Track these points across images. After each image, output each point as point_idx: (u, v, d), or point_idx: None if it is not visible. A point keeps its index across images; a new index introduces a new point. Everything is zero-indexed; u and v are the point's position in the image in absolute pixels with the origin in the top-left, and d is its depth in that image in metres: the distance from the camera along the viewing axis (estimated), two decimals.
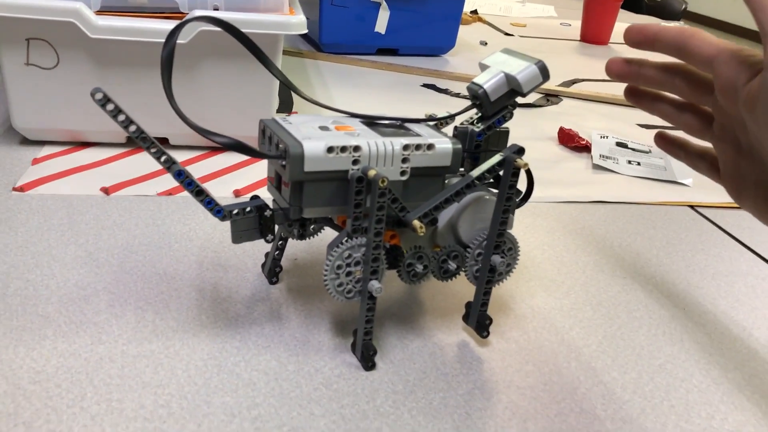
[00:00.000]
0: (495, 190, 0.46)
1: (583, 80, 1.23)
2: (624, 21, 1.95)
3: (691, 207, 0.74)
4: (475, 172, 0.44)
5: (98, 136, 0.73)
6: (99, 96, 0.36)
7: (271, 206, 0.44)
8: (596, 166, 0.82)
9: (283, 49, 1.21)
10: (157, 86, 0.70)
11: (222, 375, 0.42)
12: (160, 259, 0.54)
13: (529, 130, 0.93)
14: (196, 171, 0.70)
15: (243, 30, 0.67)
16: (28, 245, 0.54)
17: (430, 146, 0.43)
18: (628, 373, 0.47)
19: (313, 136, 0.42)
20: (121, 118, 0.37)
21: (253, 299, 0.50)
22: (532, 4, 2.07)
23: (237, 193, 0.66)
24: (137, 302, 0.48)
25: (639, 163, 0.84)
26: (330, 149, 0.41)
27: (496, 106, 0.46)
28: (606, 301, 0.55)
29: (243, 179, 0.69)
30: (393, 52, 1.27)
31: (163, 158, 0.39)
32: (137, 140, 0.38)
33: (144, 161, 0.70)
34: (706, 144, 0.43)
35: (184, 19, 0.41)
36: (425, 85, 1.10)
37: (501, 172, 0.44)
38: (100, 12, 0.66)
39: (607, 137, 0.91)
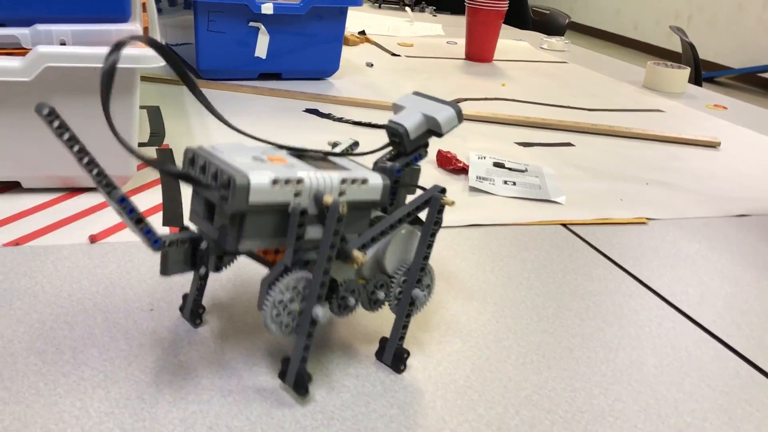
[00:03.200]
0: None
1: (466, 99, 1.25)
2: (511, 37, 2.00)
3: (564, 225, 0.76)
4: (407, 209, 0.46)
5: None
6: (45, 111, 0.34)
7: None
8: (473, 189, 0.82)
9: (159, 77, 1.17)
10: (5, 127, 0.65)
11: None
12: None
13: None
14: (50, 215, 0.65)
15: (94, 65, 0.64)
16: None
17: (364, 181, 0.44)
18: (493, 408, 0.46)
19: (255, 167, 0.41)
20: (66, 136, 0.35)
21: (100, 358, 0.46)
22: (420, 23, 2.09)
23: (93, 239, 0.62)
24: None
25: (515, 183, 0.85)
26: (275, 181, 0.40)
27: (414, 144, 0.50)
28: (475, 330, 0.54)
29: (99, 224, 0.65)
30: (276, 77, 1.24)
31: (104, 182, 0.37)
32: (81, 162, 0.36)
33: None
34: None
35: (122, 39, 0.38)
36: (308, 110, 1.09)
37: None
38: None
39: (484, 158, 0.92)
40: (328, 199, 0.41)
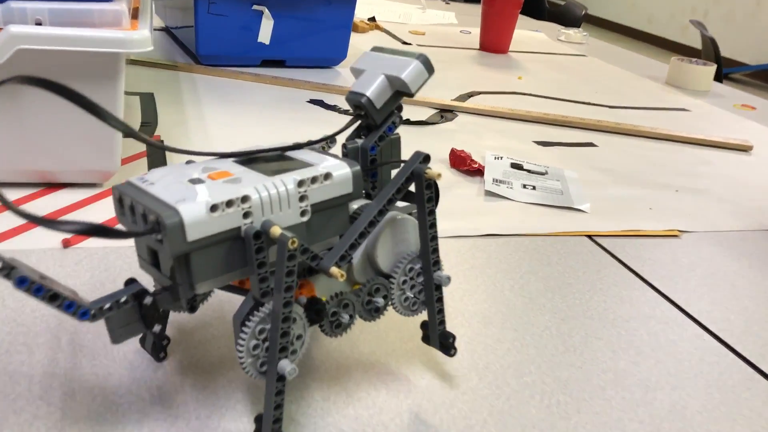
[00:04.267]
0: (402, 203, 0.42)
1: (480, 93, 1.17)
2: (525, 28, 1.92)
3: (589, 237, 0.69)
4: (385, 195, 0.38)
5: None
6: None
7: (150, 289, 0.36)
8: (489, 193, 0.75)
9: (156, 61, 1.10)
10: None
11: None
12: None
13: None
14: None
15: (72, 48, 0.57)
16: None
17: (327, 176, 0.37)
18: None
19: (188, 195, 0.33)
20: None
21: (60, 390, 0.40)
22: (433, 11, 2.02)
23: (66, 243, 0.55)
24: None
25: (534, 187, 0.78)
26: (213, 207, 0.33)
27: (383, 113, 0.42)
28: (494, 363, 0.48)
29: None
30: (280, 64, 1.18)
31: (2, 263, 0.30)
32: None
33: None
34: None
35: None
36: (312, 101, 1.02)
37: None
38: None
39: (501, 158, 0.85)
40: (275, 231, 0.34)
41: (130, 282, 0.37)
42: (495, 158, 0.85)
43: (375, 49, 0.44)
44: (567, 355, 0.50)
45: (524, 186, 0.78)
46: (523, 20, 2.12)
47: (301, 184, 0.36)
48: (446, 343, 0.43)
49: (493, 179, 0.78)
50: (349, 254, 0.37)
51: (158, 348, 0.43)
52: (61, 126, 0.61)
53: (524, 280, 0.59)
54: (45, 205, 0.61)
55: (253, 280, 0.35)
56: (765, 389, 0.49)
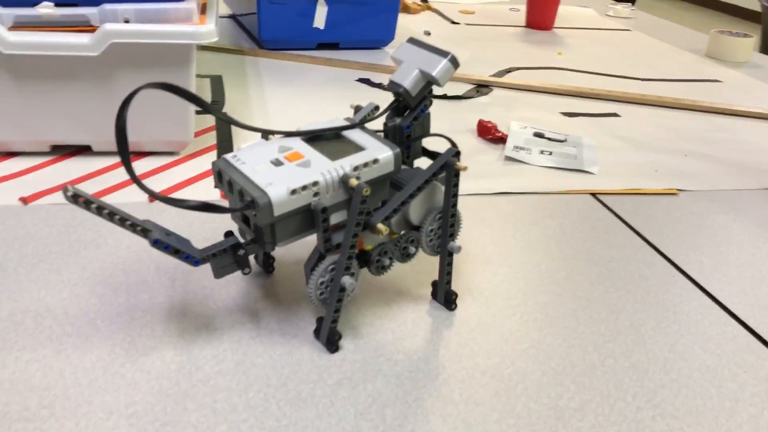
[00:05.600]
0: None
1: (518, 68, 1.27)
2: (575, 4, 1.98)
3: (593, 195, 0.78)
4: (424, 176, 0.50)
5: (23, 146, 0.76)
6: (70, 194, 0.41)
7: (241, 240, 0.49)
8: (508, 158, 0.86)
9: (224, 47, 1.24)
10: (74, 96, 0.73)
11: (107, 376, 0.46)
12: (65, 267, 0.57)
13: (450, 122, 0.97)
14: (116, 176, 0.73)
15: (153, 41, 0.70)
16: None
17: (375, 160, 0.49)
18: (491, 358, 0.51)
19: (274, 179, 0.46)
20: (95, 206, 0.42)
21: (150, 302, 0.54)
22: None
23: (152, 198, 0.69)
24: (38, 309, 0.52)
25: (551, 153, 0.88)
26: (293, 192, 0.45)
27: (417, 98, 0.53)
28: (487, 291, 0.59)
29: (160, 184, 0.72)
30: (334, 47, 1.30)
31: (139, 229, 0.43)
32: (113, 221, 0.43)
33: (66, 169, 0.73)
34: None
35: (134, 90, 0.42)
36: (360, 80, 1.13)
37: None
38: (13, 28, 0.69)
39: (526, 128, 0.95)
40: (353, 182, 0.46)
41: (228, 234, 0.50)
42: (521, 128, 0.95)
43: (411, 41, 0.55)
44: (550, 285, 0.60)
45: (542, 152, 0.88)
46: None
47: (356, 168, 0.48)
48: (449, 299, 0.56)
49: (514, 146, 0.88)
50: (393, 215, 0.49)
51: (267, 264, 0.58)
52: (147, 104, 0.75)
53: (526, 229, 0.70)
54: (136, 168, 0.75)
55: (319, 239, 0.48)
56: (716, 314, 0.58)
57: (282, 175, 0.46)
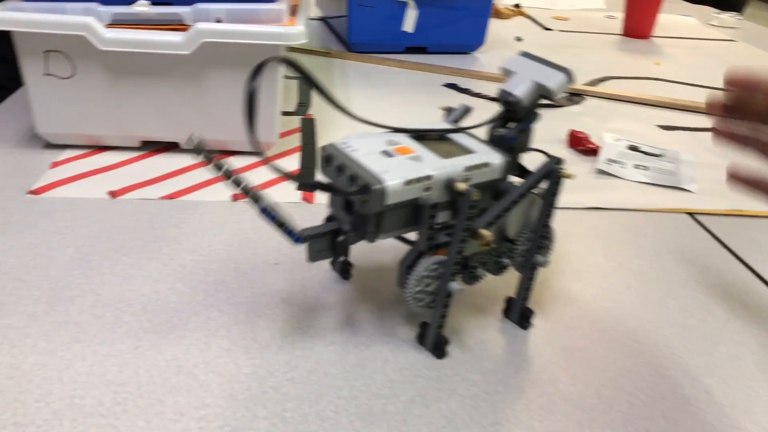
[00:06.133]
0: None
1: (613, 78, 1.22)
2: (675, 12, 1.90)
3: (690, 214, 0.74)
4: (527, 183, 0.49)
5: (114, 141, 0.77)
6: (195, 142, 0.41)
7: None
8: (600, 171, 0.82)
9: (313, 48, 1.24)
10: (165, 93, 0.74)
11: (180, 376, 0.46)
12: (147, 262, 0.58)
13: (540, 131, 0.94)
14: (202, 174, 0.73)
15: (243, 41, 0.70)
16: (31, 247, 0.58)
17: (486, 164, 0.48)
18: (575, 384, 0.48)
19: (388, 168, 0.45)
20: (214, 160, 0.41)
21: (227, 302, 0.53)
22: None
23: (235, 197, 0.69)
24: (118, 303, 0.52)
25: (647, 168, 0.83)
26: (408, 182, 0.44)
27: (526, 110, 0.51)
28: (572, 312, 0.56)
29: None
30: (422, 50, 1.28)
31: (251, 194, 0.43)
32: (228, 180, 0.42)
33: (154, 165, 0.75)
34: None
35: (263, 60, 0.44)
36: (447, 85, 1.11)
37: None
38: (111, 25, 0.71)
39: (620, 140, 0.91)
40: (461, 186, 0.45)
41: (330, 219, 0.50)
42: (614, 140, 0.90)
43: (523, 54, 0.54)
44: (641, 310, 0.57)
45: (636, 166, 0.83)
46: (675, 4, 2.08)
47: (468, 169, 0.47)
48: (525, 317, 0.53)
49: (607, 159, 0.84)
50: (495, 222, 0.48)
51: (345, 270, 0.57)
52: (235, 105, 0.75)
53: (617, 248, 0.66)
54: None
55: (422, 236, 0.47)
56: None
57: (395, 165, 0.45)
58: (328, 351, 0.49)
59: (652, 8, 1.51)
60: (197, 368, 0.46)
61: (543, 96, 0.51)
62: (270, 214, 0.43)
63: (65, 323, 0.50)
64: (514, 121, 0.52)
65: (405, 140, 0.49)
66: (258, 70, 0.42)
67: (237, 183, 0.42)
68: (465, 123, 0.54)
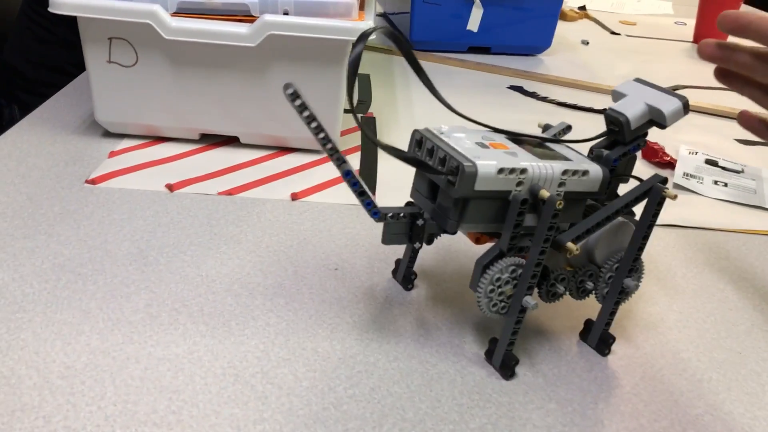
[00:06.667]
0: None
1: (686, 87, 1.16)
2: None
3: None
4: (625, 199, 0.45)
5: (173, 132, 0.76)
6: (290, 91, 0.37)
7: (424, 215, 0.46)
8: (677, 186, 0.77)
9: (374, 45, 1.22)
10: (227, 86, 0.72)
11: (237, 385, 0.43)
12: (205, 261, 0.55)
13: None
14: (261, 170, 0.71)
15: (311, 35, 0.68)
16: (87, 239, 0.57)
17: (585, 172, 0.45)
18: (658, 421, 0.44)
19: (482, 155, 0.43)
20: (306, 114, 0.38)
21: (286, 308, 0.51)
22: (648, 0, 1.96)
23: (294, 197, 0.67)
24: (174, 303, 0.50)
25: (726, 184, 0.78)
26: (501, 170, 0.42)
27: (634, 134, 0.48)
28: (651, 339, 0.52)
29: (302, 183, 0.70)
30: (485, 51, 1.24)
31: (335, 156, 0.40)
32: (317, 137, 0.39)
33: (213, 159, 0.73)
34: None
35: (367, 30, 0.42)
36: (512, 87, 1.08)
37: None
38: (176, 14, 0.69)
39: (696, 153, 0.86)
40: (545, 193, 0.42)
41: (409, 204, 0.47)
42: (689, 153, 0.85)
43: (638, 80, 0.50)
44: (728, 340, 0.52)
45: (715, 182, 0.79)
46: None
47: (565, 173, 0.44)
48: (605, 342, 0.49)
49: (684, 173, 0.80)
50: (585, 236, 0.44)
51: (407, 280, 0.54)
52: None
53: (698, 270, 0.62)
54: (280, 164, 0.73)
55: (504, 235, 0.44)
56: None
57: (489, 154, 0.43)
58: (391, 368, 0.46)
59: None
60: (254, 378, 0.44)
61: (654, 122, 0.47)
62: (353, 179, 0.41)
63: (119, 322, 0.48)
64: (618, 144, 0.48)
65: (501, 138, 0.47)
66: (362, 38, 0.40)
67: (325, 142, 0.39)
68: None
